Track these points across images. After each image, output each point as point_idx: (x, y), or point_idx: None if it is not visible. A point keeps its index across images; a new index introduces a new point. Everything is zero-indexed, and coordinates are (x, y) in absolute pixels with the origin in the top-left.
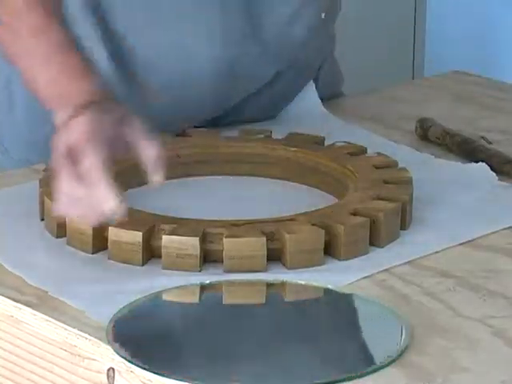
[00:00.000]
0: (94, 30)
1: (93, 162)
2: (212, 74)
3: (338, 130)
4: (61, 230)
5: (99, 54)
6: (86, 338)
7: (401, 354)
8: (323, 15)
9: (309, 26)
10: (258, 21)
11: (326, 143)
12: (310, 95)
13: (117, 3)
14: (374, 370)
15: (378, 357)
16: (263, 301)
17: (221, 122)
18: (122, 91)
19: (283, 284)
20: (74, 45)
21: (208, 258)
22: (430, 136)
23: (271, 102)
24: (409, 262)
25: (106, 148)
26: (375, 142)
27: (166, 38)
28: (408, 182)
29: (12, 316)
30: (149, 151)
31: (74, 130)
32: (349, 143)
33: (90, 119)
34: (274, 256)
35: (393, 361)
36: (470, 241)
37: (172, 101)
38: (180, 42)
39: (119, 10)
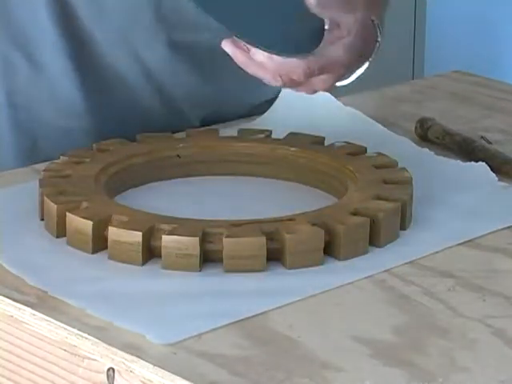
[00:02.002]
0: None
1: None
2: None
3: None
4: (61, 229)
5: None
6: (86, 338)
7: None
8: None
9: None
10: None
11: (326, 142)
12: None
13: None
14: None
15: None
16: None
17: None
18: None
19: None
20: None
21: (208, 258)
22: (429, 136)
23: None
24: (409, 262)
25: None
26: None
27: None
28: (408, 182)
29: (12, 316)
30: None
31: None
32: (348, 143)
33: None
34: (274, 256)
35: None
36: (469, 241)
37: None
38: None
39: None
